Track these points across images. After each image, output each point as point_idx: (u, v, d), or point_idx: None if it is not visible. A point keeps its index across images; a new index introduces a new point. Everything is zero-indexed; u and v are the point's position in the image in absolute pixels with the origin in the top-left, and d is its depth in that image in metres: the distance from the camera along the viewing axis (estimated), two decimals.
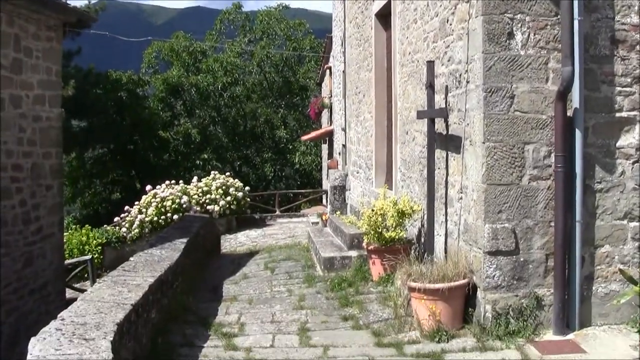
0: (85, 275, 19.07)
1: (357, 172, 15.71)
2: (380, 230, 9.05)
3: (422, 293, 6.89)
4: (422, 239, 9.31)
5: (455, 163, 7.69)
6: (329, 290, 9.29)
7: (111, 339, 4.79)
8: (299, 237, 20.53)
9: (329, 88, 27.08)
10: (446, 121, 7.97)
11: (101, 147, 38.41)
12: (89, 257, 16.41)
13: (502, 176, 6.73)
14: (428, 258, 7.84)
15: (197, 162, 40.62)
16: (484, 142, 6.72)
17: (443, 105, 8.02)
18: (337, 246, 11.32)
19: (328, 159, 24.90)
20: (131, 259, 8.17)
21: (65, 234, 21.48)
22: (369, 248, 9.38)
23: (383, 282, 9.10)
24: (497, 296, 6.75)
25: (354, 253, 10.54)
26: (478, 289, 6.90)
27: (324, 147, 29.55)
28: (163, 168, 38.75)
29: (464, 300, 7.03)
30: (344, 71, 19.40)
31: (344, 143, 19.79)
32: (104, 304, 5.74)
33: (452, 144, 7.77)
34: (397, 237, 9.01)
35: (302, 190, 33.87)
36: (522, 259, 6.78)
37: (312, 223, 24.30)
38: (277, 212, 27.23)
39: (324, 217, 20.66)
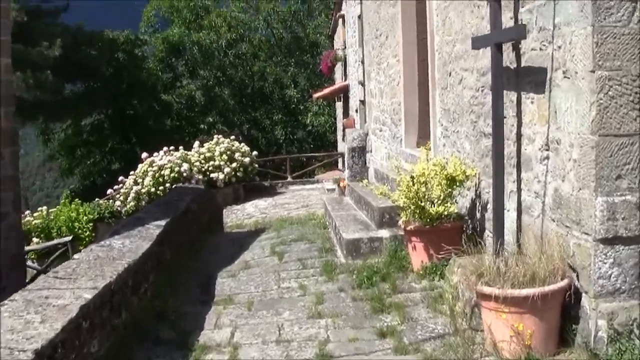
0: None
1: (380, 130, 13.39)
2: (423, 204, 6.74)
3: (501, 303, 4.59)
4: (477, 215, 7.02)
5: (535, 107, 5.36)
6: (356, 287, 6.95)
7: None
8: (314, 207, 18.67)
9: (342, 39, 24.60)
10: (517, 48, 5.63)
11: (98, 113, 36.06)
12: (68, 238, 14.24)
13: (621, 122, 4.42)
14: (497, 245, 5.51)
15: (202, 126, 38.19)
16: (593, 71, 4.39)
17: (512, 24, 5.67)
18: (362, 223, 8.99)
19: (343, 118, 22.60)
20: (76, 256, 5.95)
21: (52, 210, 19.52)
22: (408, 228, 7.04)
23: (428, 273, 6.80)
24: (615, 305, 4.48)
25: (385, 233, 8.20)
26: (584, 294, 4.62)
27: (339, 105, 27.21)
28: (165, 133, 36.30)
29: (561, 311, 4.75)
30: (359, 16, 17.00)
31: (362, 98, 17.50)
32: None
33: (529, 79, 5.43)
34: (445, 212, 6.71)
35: (316, 154, 31.49)
36: None
37: (328, 190, 22.22)
38: (289, 179, 25.14)
39: (341, 184, 18.45)
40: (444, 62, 8.17)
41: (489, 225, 6.57)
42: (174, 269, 7.75)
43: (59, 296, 4.47)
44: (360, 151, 15.61)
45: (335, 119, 32.98)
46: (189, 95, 39.32)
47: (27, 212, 19.44)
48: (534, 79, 5.35)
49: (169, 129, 37.84)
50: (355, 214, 9.75)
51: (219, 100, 39.88)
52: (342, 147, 26.27)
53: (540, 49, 5.21)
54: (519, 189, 5.75)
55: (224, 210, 20.53)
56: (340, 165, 26.31)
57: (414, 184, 6.72)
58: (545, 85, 5.11)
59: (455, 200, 7.01)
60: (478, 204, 6.97)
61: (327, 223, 10.70)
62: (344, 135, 25.01)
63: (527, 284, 4.58)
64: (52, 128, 35.91)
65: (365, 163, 15.53)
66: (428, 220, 6.71)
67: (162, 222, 7.47)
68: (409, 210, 6.81)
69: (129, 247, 6.20)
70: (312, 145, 40.59)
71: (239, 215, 19.40)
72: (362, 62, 16.45)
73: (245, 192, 22.52)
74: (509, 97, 5.81)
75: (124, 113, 36.45)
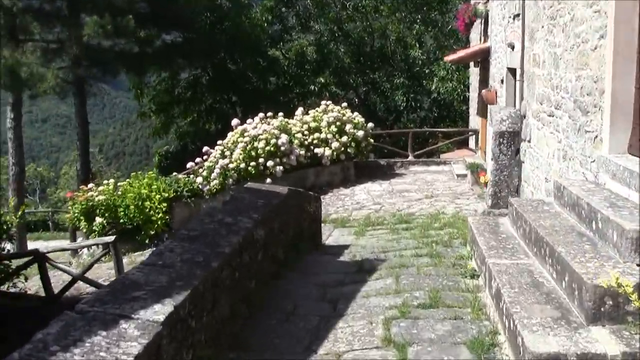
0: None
1: (550, 116, 9.59)
2: None
3: None
4: None
5: None
6: None
7: None
8: (441, 199, 15.69)
9: None
10: None
11: (195, 67, 33.33)
12: (110, 238, 11.18)
13: None
14: None
15: (312, 87, 34.66)
16: None
17: None
18: (550, 299, 5.04)
19: (482, 89, 18.69)
20: None
21: (120, 183, 16.64)
22: None
23: None
24: None
25: (610, 344, 4.10)
26: None
27: (474, 72, 23.09)
28: (270, 94, 33.13)
29: None
30: None
31: (511, 65, 13.62)
32: None
33: None
34: None
35: (444, 129, 27.44)
36: None
37: (457, 175, 18.72)
38: (410, 157, 21.43)
39: (482, 179, 14.79)
40: None
41: None
42: None
43: None
44: (511, 137, 11.93)
45: (466, 86, 28.81)
46: (299, 51, 35.79)
47: (91, 185, 16.67)
48: None
49: (275, 88, 34.52)
50: (530, 267, 5.84)
51: (334, 58, 36.17)
52: (474, 121, 22.37)
53: None
54: None
55: (329, 195, 17.31)
56: (472, 143, 22.45)
57: None
58: None
59: None
60: None
61: (476, 267, 6.99)
62: (479, 108, 21.14)
63: None
64: (147, 82, 33.26)
65: (517, 153, 11.83)
66: None
67: (166, 309, 3.88)
68: None
69: None
70: (436, 114, 36.59)
71: (347, 203, 16.42)
72: (517, 17, 12.59)
73: (357, 172, 19.41)
74: None
75: (224, 68, 33.35)
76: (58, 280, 12.25)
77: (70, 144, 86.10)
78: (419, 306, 6.08)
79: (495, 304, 5.57)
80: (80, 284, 11.17)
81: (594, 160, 7.32)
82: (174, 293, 4.21)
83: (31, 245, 26.93)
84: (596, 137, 7.30)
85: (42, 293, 11.15)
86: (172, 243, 5.31)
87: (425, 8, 37.08)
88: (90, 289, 11.15)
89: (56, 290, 11.06)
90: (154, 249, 14.14)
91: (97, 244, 11.44)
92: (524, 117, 11.55)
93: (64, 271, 11.23)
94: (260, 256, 6.42)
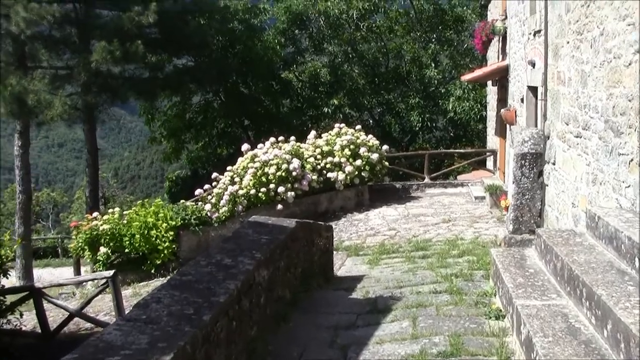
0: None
1: (577, 136, 8.96)
2: None
3: None
4: None
5: None
6: None
7: None
8: (459, 223, 15.16)
9: (501, 8, 19.99)
10: None
11: (206, 91, 32.90)
12: (108, 273, 10.55)
13: None
14: None
15: (326, 109, 33.95)
16: None
17: None
18: (593, 355, 4.04)
19: (501, 108, 18.05)
20: None
21: (126, 212, 16.10)
22: None
23: None
24: None
25: None
26: None
27: (491, 90, 22.46)
28: (283, 117, 32.60)
29: None
30: None
31: (532, 83, 13.02)
32: None
33: None
34: None
35: (462, 150, 26.73)
36: None
37: (475, 198, 18.13)
38: (426, 180, 20.83)
39: (503, 203, 14.19)
40: None
41: None
42: None
43: None
44: (534, 159, 11.29)
45: (483, 105, 28.12)
46: (313, 73, 35.19)
47: (96, 214, 16.12)
48: None
49: (288, 111, 34.02)
50: (564, 310, 5.14)
51: (348, 79, 35.52)
52: (492, 142, 21.76)
53: None
54: None
55: (342, 220, 16.79)
56: (489, 164, 21.81)
57: None
58: None
59: None
60: None
61: (501, 307, 6.30)
62: (497, 128, 20.57)
63: None
64: (158, 107, 32.88)
65: (540, 176, 11.19)
66: None
67: None
68: None
69: None
70: (452, 134, 35.94)
71: (361, 228, 15.89)
72: (539, 33, 12.02)
73: (371, 196, 18.94)
74: None
75: (237, 91, 32.94)
76: (58, 313, 11.77)
77: (85, 168, 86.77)
78: (439, 355, 5.39)
79: (526, 353, 4.89)
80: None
81: (629, 186, 6.67)
82: (153, 358, 3.57)
83: (37, 273, 26.56)
84: (632, 160, 6.65)
85: (39, 329, 10.62)
86: (160, 291, 4.67)
87: (440, 27, 36.57)
88: (89, 324, 10.61)
89: (55, 325, 10.55)
90: (157, 281, 13.52)
91: (96, 279, 10.84)
92: (548, 137, 10.92)
93: (61, 307, 10.67)
94: (262, 300, 5.76)
